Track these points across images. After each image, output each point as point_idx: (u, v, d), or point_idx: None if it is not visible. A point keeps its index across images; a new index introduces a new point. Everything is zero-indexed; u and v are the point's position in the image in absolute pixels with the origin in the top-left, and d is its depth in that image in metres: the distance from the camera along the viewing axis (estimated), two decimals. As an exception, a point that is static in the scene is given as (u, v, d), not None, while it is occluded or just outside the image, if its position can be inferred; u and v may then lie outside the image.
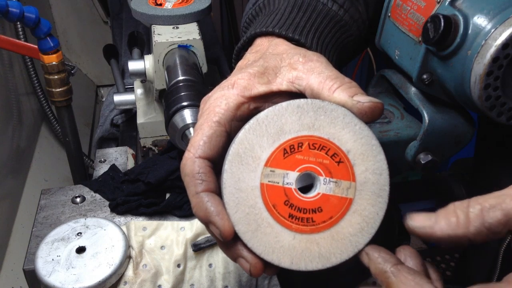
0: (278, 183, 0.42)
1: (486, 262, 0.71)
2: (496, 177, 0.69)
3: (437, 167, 0.61)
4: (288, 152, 0.42)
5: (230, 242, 0.43)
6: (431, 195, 0.89)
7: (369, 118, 0.42)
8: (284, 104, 0.42)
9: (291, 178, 0.42)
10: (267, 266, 0.43)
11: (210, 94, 0.46)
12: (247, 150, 0.42)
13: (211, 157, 0.43)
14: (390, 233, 0.58)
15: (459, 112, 0.60)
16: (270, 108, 0.42)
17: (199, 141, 0.43)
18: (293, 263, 0.42)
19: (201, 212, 0.42)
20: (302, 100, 0.42)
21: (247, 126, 0.42)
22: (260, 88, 0.44)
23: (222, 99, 0.44)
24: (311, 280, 0.48)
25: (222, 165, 0.43)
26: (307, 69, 0.44)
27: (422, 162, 0.60)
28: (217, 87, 0.46)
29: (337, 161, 0.42)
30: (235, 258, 0.44)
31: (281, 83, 0.45)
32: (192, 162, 0.42)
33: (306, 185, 0.42)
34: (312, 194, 0.42)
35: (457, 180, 0.88)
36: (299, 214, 0.42)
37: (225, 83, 0.45)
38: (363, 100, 0.41)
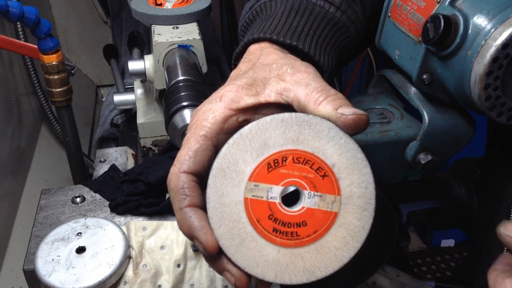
0: (262, 197, 0.41)
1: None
2: (503, 181, 0.69)
3: (437, 167, 0.61)
4: (272, 166, 0.41)
5: (215, 256, 0.43)
6: (431, 195, 0.89)
7: (354, 130, 0.41)
8: (268, 118, 0.42)
9: (275, 192, 0.41)
10: (259, 282, 0.43)
11: (199, 107, 0.46)
12: (231, 164, 0.41)
13: (197, 171, 0.43)
14: (390, 233, 0.58)
15: (459, 112, 0.60)
16: (254, 122, 0.42)
17: (185, 155, 0.42)
18: (277, 277, 0.42)
19: (185, 227, 0.42)
20: (286, 114, 0.42)
21: (230, 141, 0.42)
22: (248, 100, 0.44)
23: (209, 113, 0.44)
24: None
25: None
26: (295, 80, 0.44)
27: (422, 162, 0.60)
28: (206, 100, 0.45)
29: (322, 175, 0.42)
30: (220, 271, 0.44)
31: (269, 95, 0.44)
32: (177, 177, 0.42)
33: (291, 198, 0.42)
34: (296, 208, 0.42)
35: (457, 180, 0.87)
36: (284, 228, 0.42)
37: (213, 95, 0.45)
38: (347, 112, 0.41)
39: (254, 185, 0.41)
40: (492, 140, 0.73)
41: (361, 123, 0.41)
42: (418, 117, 0.62)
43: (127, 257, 0.69)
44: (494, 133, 0.72)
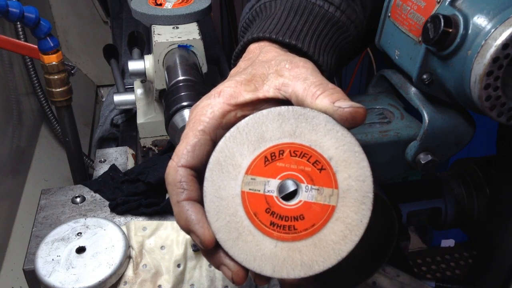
0: (259, 191, 0.41)
1: (502, 270, 0.70)
2: None
3: (437, 167, 0.61)
4: (269, 159, 0.41)
5: (212, 250, 0.43)
6: (431, 195, 0.89)
7: (351, 123, 0.41)
8: (265, 111, 0.42)
9: (272, 185, 0.41)
10: (256, 276, 0.43)
11: (197, 103, 0.46)
12: (228, 158, 0.41)
13: (195, 165, 0.43)
14: (390, 233, 0.58)
15: (459, 112, 0.60)
16: (250, 116, 0.42)
17: (183, 150, 0.43)
18: (275, 271, 0.42)
19: (182, 221, 0.42)
20: (283, 107, 0.42)
21: (227, 134, 0.42)
22: (246, 96, 0.44)
23: (207, 108, 0.44)
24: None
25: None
26: (293, 75, 0.44)
27: (422, 162, 0.60)
28: (204, 96, 0.46)
29: (319, 168, 0.41)
30: (217, 265, 0.44)
31: (267, 90, 0.45)
32: (175, 171, 0.42)
33: (288, 193, 0.42)
34: (294, 201, 0.41)
35: (457, 180, 0.87)
36: (281, 222, 0.41)
37: (212, 91, 0.45)
38: (344, 105, 0.41)
39: (251, 179, 0.41)
40: (503, 139, 0.73)
41: (358, 116, 0.41)
42: (418, 117, 0.62)
43: (127, 257, 0.69)
44: (503, 132, 0.71)
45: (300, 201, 0.41)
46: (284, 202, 0.41)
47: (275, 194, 0.41)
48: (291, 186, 0.42)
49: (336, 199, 0.41)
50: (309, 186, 0.41)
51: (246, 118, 0.42)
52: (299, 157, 0.41)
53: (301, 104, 0.43)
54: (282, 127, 0.41)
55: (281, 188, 0.42)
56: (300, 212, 0.41)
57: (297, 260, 0.42)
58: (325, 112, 0.41)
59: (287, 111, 0.41)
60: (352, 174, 0.41)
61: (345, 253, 0.41)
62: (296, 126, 0.41)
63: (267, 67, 0.46)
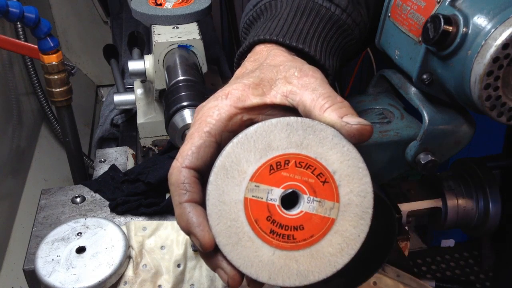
0: (262, 198, 0.42)
1: None
2: None
3: (437, 167, 0.61)
4: (274, 168, 0.42)
5: (210, 253, 0.43)
6: (431, 195, 0.89)
7: (357, 140, 0.42)
8: (274, 120, 0.42)
9: (275, 194, 0.42)
10: (251, 281, 0.43)
11: (204, 103, 0.46)
12: (234, 163, 0.42)
13: (199, 167, 0.43)
14: (390, 233, 0.59)
15: (459, 112, 0.60)
16: (259, 124, 0.42)
17: (188, 150, 0.43)
18: (271, 278, 0.42)
19: (183, 222, 0.42)
20: (292, 118, 0.42)
21: (235, 140, 0.42)
22: (253, 100, 0.44)
23: (214, 110, 0.44)
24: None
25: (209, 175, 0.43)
26: (302, 84, 0.44)
27: (422, 162, 0.60)
28: (211, 97, 0.46)
29: (323, 181, 0.42)
30: (214, 268, 0.44)
31: (275, 96, 0.45)
32: (178, 172, 0.42)
33: (290, 201, 0.43)
34: (295, 211, 0.42)
35: (457, 180, 0.87)
36: (281, 231, 0.42)
37: (219, 92, 0.45)
38: (352, 122, 0.41)
39: (255, 186, 0.42)
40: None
41: (365, 133, 0.41)
42: (418, 117, 0.62)
43: (127, 257, 0.70)
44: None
45: (301, 211, 0.42)
46: (286, 212, 0.42)
47: (277, 202, 0.42)
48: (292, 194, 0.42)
49: (337, 213, 0.42)
50: (311, 197, 0.42)
51: (255, 125, 0.42)
52: (304, 168, 0.42)
53: (308, 114, 0.43)
54: (289, 137, 0.42)
55: (283, 197, 0.42)
56: (300, 222, 0.42)
57: (293, 269, 0.42)
58: (332, 126, 0.42)
59: (296, 122, 0.42)
60: (354, 189, 0.42)
61: (340, 266, 0.42)
62: (304, 137, 0.42)
63: (276, 72, 0.46)
